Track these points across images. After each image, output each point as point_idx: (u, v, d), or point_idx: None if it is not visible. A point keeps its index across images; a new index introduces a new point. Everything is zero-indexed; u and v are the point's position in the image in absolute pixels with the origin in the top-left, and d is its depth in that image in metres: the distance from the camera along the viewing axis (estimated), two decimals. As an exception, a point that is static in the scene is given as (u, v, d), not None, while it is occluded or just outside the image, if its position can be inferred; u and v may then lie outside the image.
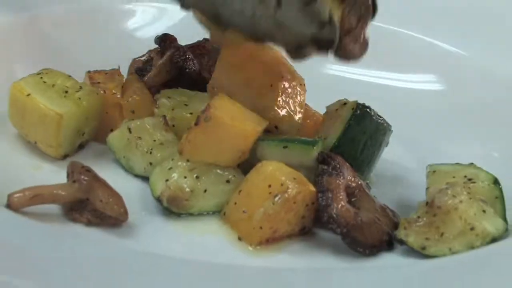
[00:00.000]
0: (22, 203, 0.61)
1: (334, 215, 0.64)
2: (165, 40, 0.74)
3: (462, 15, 0.86)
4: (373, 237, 0.64)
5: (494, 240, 0.62)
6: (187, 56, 0.74)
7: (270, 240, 0.64)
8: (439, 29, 0.83)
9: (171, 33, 0.79)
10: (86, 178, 0.63)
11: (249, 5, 0.67)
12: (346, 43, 0.67)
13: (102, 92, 0.73)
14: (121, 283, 0.51)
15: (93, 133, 0.74)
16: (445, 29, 0.82)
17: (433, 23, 0.84)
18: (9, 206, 0.61)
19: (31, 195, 0.62)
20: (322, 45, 0.67)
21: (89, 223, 0.62)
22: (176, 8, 0.75)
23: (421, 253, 0.63)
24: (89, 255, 0.54)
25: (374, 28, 0.82)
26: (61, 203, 0.63)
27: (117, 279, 0.52)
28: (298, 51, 0.68)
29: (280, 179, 0.64)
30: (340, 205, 0.65)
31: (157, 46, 0.77)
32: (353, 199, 0.66)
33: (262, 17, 0.67)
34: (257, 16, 0.67)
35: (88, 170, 0.63)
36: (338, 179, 0.66)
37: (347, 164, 0.68)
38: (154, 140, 0.71)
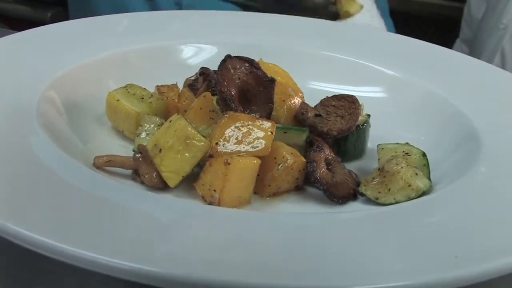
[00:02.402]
0: (101, 164, 0.58)
1: (318, 177, 0.58)
2: (203, 74, 0.69)
3: (398, 51, 0.81)
4: (343, 191, 0.59)
5: (423, 193, 0.57)
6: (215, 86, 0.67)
7: (276, 194, 0.59)
8: (382, 60, 0.78)
9: (208, 60, 0.75)
10: (137, 156, 0.58)
11: None
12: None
13: (165, 98, 0.68)
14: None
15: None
16: (387, 60, 0.78)
17: (378, 56, 0.79)
18: (94, 164, 0.58)
19: (107, 160, 0.58)
20: None
21: (142, 183, 0.57)
22: (209, 46, 0.76)
23: (375, 202, 0.58)
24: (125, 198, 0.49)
25: (341, 60, 0.77)
26: (125, 168, 0.59)
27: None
28: None
29: (282, 153, 0.59)
30: (322, 171, 0.59)
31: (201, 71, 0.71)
32: (330, 167, 0.61)
33: None
34: None
35: (141, 152, 0.58)
36: (320, 153, 0.61)
37: (326, 144, 0.62)
38: None
